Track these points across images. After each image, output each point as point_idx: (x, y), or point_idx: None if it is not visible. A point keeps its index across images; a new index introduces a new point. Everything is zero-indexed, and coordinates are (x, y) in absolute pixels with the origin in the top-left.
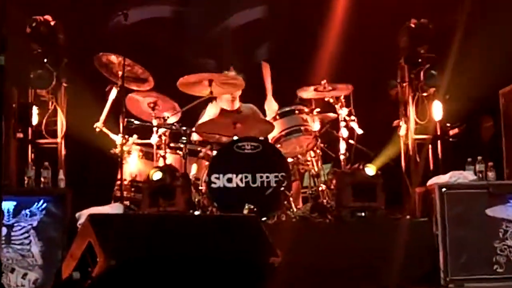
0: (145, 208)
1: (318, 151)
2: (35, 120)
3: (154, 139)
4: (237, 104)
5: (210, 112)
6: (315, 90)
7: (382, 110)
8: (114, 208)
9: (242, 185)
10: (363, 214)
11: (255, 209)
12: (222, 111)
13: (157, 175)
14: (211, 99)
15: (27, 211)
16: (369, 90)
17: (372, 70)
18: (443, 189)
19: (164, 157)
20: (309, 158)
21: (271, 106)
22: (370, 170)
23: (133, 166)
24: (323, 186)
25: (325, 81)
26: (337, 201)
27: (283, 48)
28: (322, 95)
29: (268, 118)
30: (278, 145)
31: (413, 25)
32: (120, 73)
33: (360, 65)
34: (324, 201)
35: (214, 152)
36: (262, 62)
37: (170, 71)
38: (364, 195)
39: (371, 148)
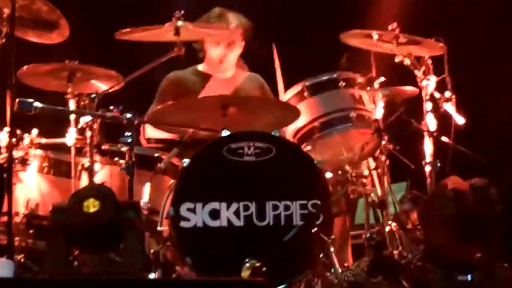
0: (54, 268)
1: (383, 158)
2: None
3: (71, 137)
4: (230, 69)
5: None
6: (378, 40)
7: (501, 82)
8: None
9: (238, 223)
10: (469, 277)
11: (263, 269)
12: (201, 80)
13: (93, 205)
14: (179, 59)
15: None
16: (477, 48)
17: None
18: None
19: (89, 171)
20: (366, 172)
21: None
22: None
23: (32, 187)
24: (393, 225)
25: (395, 25)
26: (423, 253)
27: None
28: (389, 51)
29: None
30: (307, 147)
31: None
32: (6, 11)
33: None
34: (395, 252)
35: (186, 161)
36: (273, 44)
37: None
38: (473, 240)
39: (483, 150)
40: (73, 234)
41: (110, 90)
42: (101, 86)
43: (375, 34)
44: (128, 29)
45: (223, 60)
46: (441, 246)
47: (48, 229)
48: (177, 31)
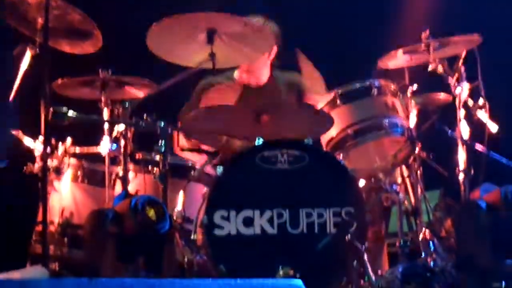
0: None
1: (416, 165)
2: None
3: (105, 146)
4: (262, 76)
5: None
6: (410, 52)
7: None
8: (30, 275)
9: (272, 231)
10: (503, 284)
11: (297, 275)
12: (235, 90)
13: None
14: (212, 69)
15: None
16: (509, 47)
17: None
18: None
19: (123, 180)
20: (399, 180)
21: None
22: None
23: (66, 196)
24: (426, 232)
25: (427, 32)
26: (456, 262)
27: None
28: (421, 59)
29: None
30: (340, 155)
31: None
32: (40, 21)
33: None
34: (429, 260)
35: (219, 170)
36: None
37: (136, 17)
38: (504, 249)
39: None
40: (129, 240)
41: (143, 99)
42: (135, 93)
43: (405, 52)
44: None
45: (250, 71)
46: (473, 255)
47: (84, 237)
48: (210, 40)
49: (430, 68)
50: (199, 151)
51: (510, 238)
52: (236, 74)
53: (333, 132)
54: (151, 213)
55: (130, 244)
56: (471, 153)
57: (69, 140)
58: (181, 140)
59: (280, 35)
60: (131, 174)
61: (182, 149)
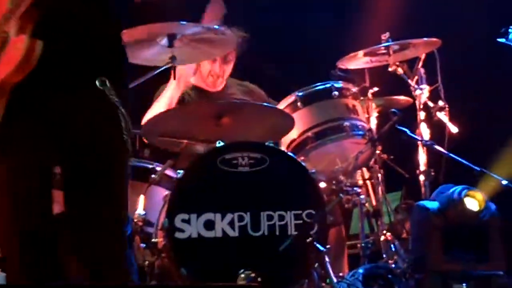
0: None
1: (377, 167)
2: None
3: None
4: (221, 83)
5: (172, 97)
6: (370, 54)
7: (492, 87)
8: None
9: (233, 234)
10: (464, 286)
11: (258, 279)
12: (195, 94)
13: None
14: (172, 72)
15: None
16: (468, 50)
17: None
18: None
19: None
20: (360, 182)
21: None
22: (473, 202)
23: None
24: (387, 234)
25: (387, 34)
26: (414, 262)
27: None
28: (382, 61)
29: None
30: (301, 157)
31: None
32: None
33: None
34: (390, 262)
35: (180, 173)
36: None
37: None
38: (466, 250)
39: (477, 160)
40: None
41: None
42: None
43: (366, 53)
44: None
45: (221, 76)
46: (424, 257)
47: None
48: (170, 43)
49: (390, 69)
50: (160, 154)
51: (461, 238)
52: (194, 80)
53: (294, 134)
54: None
55: None
56: (432, 154)
57: None
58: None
59: (243, 44)
60: None
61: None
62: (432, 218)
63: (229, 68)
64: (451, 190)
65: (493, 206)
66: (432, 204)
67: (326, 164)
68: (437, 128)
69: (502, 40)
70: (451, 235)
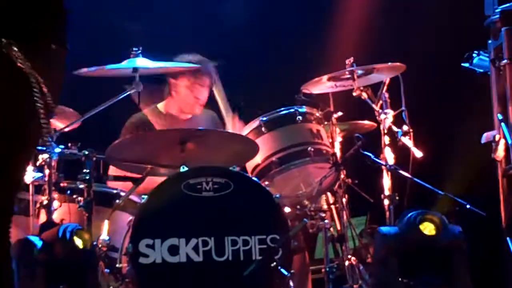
0: None
1: (341, 192)
2: None
3: (29, 175)
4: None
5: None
6: (334, 79)
7: (456, 112)
8: None
9: (198, 258)
10: None
11: None
12: (161, 119)
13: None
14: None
15: None
16: (431, 75)
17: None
18: None
19: (48, 208)
20: (325, 207)
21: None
22: (430, 225)
23: None
24: (352, 259)
25: (351, 59)
26: (377, 287)
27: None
28: (346, 85)
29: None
30: (266, 182)
31: None
32: None
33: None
34: (355, 286)
35: (144, 198)
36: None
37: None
38: (435, 274)
39: (441, 184)
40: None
41: (67, 129)
42: (58, 124)
43: (330, 78)
44: (85, 70)
45: (203, 103)
46: (383, 282)
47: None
48: (134, 69)
49: (354, 94)
50: (124, 179)
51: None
52: (163, 106)
53: (258, 159)
54: (78, 241)
55: (57, 272)
56: (396, 179)
57: None
58: (111, 168)
59: (215, 74)
60: (55, 203)
61: (108, 178)
62: (390, 243)
63: (203, 95)
64: (408, 215)
65: (456, 229)
66: (392, 230)
67: (291, 189)
68: (401, 152)
69: (466, 65)
70: (413, 260)
